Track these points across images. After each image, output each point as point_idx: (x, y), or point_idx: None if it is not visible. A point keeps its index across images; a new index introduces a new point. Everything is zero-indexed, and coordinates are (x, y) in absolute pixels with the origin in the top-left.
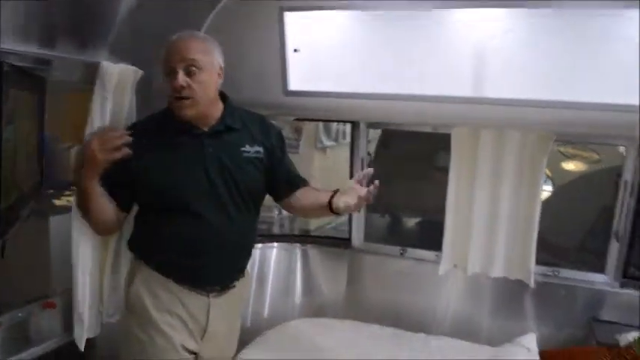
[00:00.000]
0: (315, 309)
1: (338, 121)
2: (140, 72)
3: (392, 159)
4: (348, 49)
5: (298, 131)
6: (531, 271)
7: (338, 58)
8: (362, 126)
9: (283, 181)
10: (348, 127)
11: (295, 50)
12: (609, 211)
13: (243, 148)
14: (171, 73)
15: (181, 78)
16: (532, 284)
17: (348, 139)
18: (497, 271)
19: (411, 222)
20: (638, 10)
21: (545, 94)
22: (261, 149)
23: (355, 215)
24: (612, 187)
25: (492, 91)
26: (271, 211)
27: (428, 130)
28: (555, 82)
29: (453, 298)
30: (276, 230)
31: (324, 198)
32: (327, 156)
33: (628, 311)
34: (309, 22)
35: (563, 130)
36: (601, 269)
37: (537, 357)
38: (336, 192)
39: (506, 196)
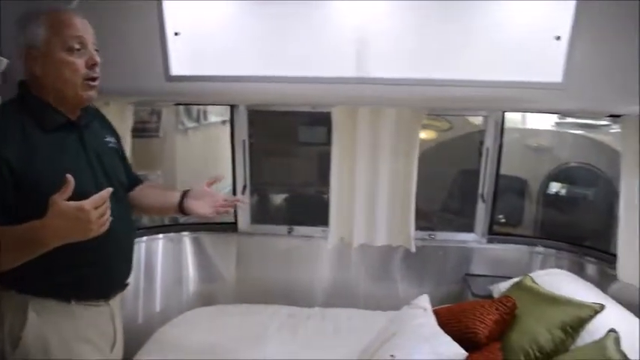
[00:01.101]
0: (210, 296)
1: (221, 105)
2: (5, 61)
3: (262, 138)
4: (229, 32)
5: (157, 114)
6: (412, 237)
7: (220, 41)
8: (241, 108)
9: (126, 176)
10: (211, 107)
11: (176, 34)
12: (466, 175)
13: (106, 139)
14: (82, 48)
15: (95, 53)
16: (413, 249)
17: (211, 119)
18: (381, 240)
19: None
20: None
21: (419, 72)
22: (114, 139)
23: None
24: (466, 152)
25: (372, 72)
26: None
27: (307, 109)
28: (428, 60)
29: (343, 270)
30: (145, 221)
31: (172, 199)
32: (189, 138)
33: (496, 264)
34: (190, 3)
35: (434, 105)
36: (470, 228)
37: (433, 315)
38: (186, 192)
39: (385, 169)
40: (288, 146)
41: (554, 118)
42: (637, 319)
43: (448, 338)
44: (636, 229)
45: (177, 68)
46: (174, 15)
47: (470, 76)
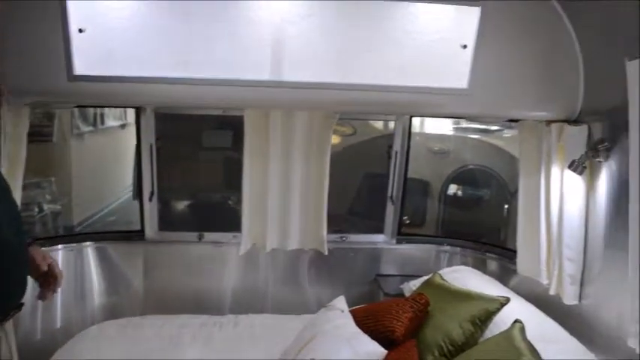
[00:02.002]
0: (117, 309)
1: (125, 107)
2: None
3: (167, 142)
4: (140, 31)
5: (50, 117)
6: (324, 240)
7: (130, 40)
8: (148, 111)
9: None
10: (108, 110)
11: (80, 30)
12: (372, 178)
13: None
14: None
15: None
16: (326, 252)
17: (108, 123)
18: (294, 244)
19: (194, 205)
20: (416, 4)
21: (332, 76)
22: None
23: (147, 205)
24: (371, 156)
25: (286, 75)
26: (30, 209)
27: (218, 112)
28: (340, 65)
29: (253, 275)
30: (38, 229)
31: None
32: (85, 143)
33: (405, 263)
34: None
35: (346, 109)
36: (379, 230)
37: (350, 316)
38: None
39: (297, 172)
40: (193, 151)
41: (452, 123)
42: (537, 310)
43: (367, 338)
44: (533, 227)
45: (81, 67)
46: (79, 10)
47: (381, 81)
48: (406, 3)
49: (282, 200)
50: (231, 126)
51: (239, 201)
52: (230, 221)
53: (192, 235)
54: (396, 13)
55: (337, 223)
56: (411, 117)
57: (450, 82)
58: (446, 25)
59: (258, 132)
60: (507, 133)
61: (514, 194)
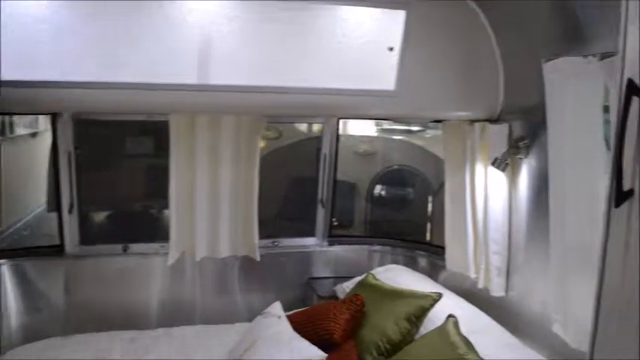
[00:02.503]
0: (37, 330)
1: (43, 114)
2: None
3: (85, 150)
4: (58, 33)
5: None
6: (256, 246)
7: (47, 42)
8: (65, 117)
9: None
10: (18, 118)
11: None
12: (299, 181)
13: None
14: None
15: None
16: (258, 257)
17: (18, 132)
18: (225, 251)
19: (116, 215)
20: (343, 7)
21: (259, 79)
22: None
23: (66, 217)
24: (297, 159)
25: (214, 79)
26: None
27: (141, 118)
28: (268, 68)
29: (183, 285)
30: None
31: None
32: None
33: (338, 265)
34: None
35: (274, 112)
36: (309, 233)
37: (287, 322)
38: None
39: (226, 178)
40: (114, 158)
41: (375, 125)
42: (467, 303)
43: (306, 342)
44: (460, 224)
45: None
46: None
47: (310, 84)
48: (334, 6)
49: (211, 207)
50: (153, 132)
51: (164, 209)
52: (157, 231)
53: (117, 248)
54: (324, 17)
55: (267, 228)
56: (339, 119)
57: (377, 84)
58: (373, 28)
59: (185, 137)
60: (428, 134)
61: (437, 192)
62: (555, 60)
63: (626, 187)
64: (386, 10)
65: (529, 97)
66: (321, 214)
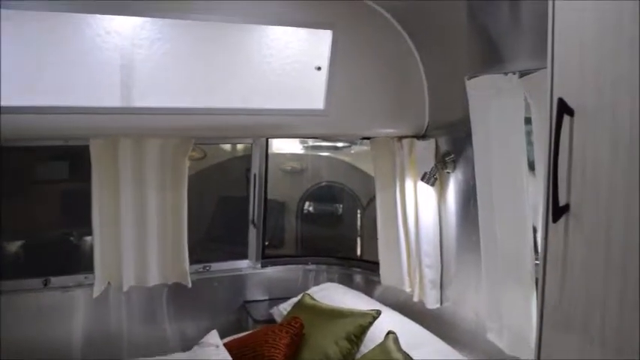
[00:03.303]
0: None
1: None
2: None
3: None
4: None
5: None
6: (187, 272)
7: None
8: None
9: None
10: None
11: None
12: (227, 202)
13: None
14: None
15: None
16: (189, 284)
17: None
18: (154, 279)
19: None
20: (271, 27)
21: (187, 101)
22: None
23: None
24: (224, 180)
25: (138, 101)
26: None
27: (59, 143)
28: (196, 90)
29: (109, 317)
30: None
31: None
32: None
33: (272, 287)
34: None
35: (201, 134)
36: (242, 255)
37: (225, 351)
38: None
39: (152, 202)
40: (26, 185)
41: (300, 142)
42: (405, 318)
43: None
44: (393, 239)
45: None
46: None
47: (238, 104)
48: (261, 27)
49: (138, 233)
50: (68, 156)
51: (85, 237)
52: (79, 261)
53: (36, 282)
54: (251, 37)
55: (197, 251)
56: (267, 139)
57: (307, 104)
58: (300, 47)
59: (107, 162)
60: (354, 150)
61: (366, 207)
62: (478, 77)
63: (562, 202)
64: (313, 30)
65: (453, 113)
66: (253, 235)
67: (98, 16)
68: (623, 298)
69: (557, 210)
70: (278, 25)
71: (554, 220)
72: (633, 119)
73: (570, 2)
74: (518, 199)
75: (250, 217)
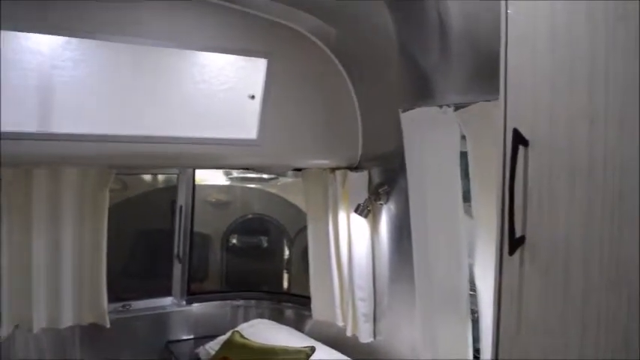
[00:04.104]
0: None
1: None
2: None
3: None
4: None
5: None
6: (105, 311)
7: None
8: None
9: None
10: None
11: None
12: (150, 235)
13: None
14: None
15: None
16: (108, 324)
17: None
18: (68, 320)
19: None
20: (204, 53)
21: (110, 128)
22: None
23: None
24: (146, 212)
25: (56, 127)
26: None
27: None
28: (122, 115)
29: None
30: None
31: None
32: None
33: (198, 325)
34: None
35: (125, 163)
36: (166, 292)
37: None
38: None
39: (68, 238)
40: None
41: (224, 173)
42: (338, 353)
43: None
44: (325, 272)
45: None
46: None
47: (167, 132)
48: (193, 52)
49: (52, 270)
50: None
51: None
52: None
53: None
54: (183, 62)
55: (116, 288)
56: (194, 170)
57: (239, 133)
58: (234, 75)
59: (18, 193)
60: (281, 181)
61: (294, 240)
62: (412, 110)
63: (517, 233)
64: (247, 57)
65: (387, 144)
66: (178, 271)
67: (13, 32)
68: (583, 328)
69: (513, 242)
70: (211, 52)
71: (511, 253)
72: (590, 151)
73: (523, 36)
74: (454, 232)
75: (175, 251)
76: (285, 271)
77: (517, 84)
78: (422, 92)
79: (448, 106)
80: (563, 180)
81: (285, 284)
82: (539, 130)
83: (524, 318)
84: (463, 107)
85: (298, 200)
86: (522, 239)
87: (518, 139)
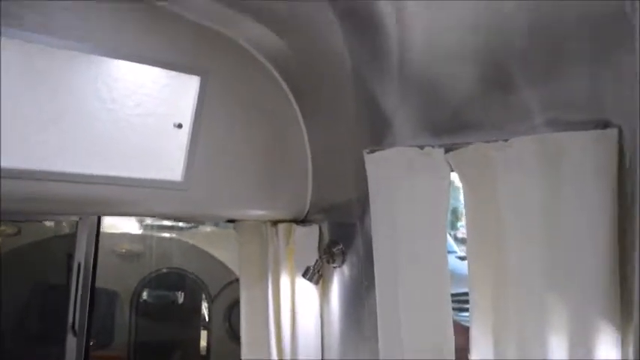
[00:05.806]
0: None
1: None
2: None
3: None
4: None
5: None
6: None
7: None
8: None
9: None
10: None
11: None
12: (46, 290)
13: None
14: None
15: None
16: None
17: None
18: None
19: None
20: (116, 61)
21: None
22: None
23: None
24: (42, 263)
25: None
26: None
27: None
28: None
29: None
30: None
31: None
32: None
33: None
34: None
35: (8, 207)
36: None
37: None
38: None
39: None
40: None
41: (138, 220)
42: None
43: None
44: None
45: None
46: None
47: (60, 167)
48: (102, 59)
49: None
50: None
51: None
52: None
53: None
54: (86, 72)
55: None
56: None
57: (159, 173)
58: (156, 95)
59: None
60: (201, 231)
61: (215, 298)
62: (382, 151)
63: None
64: (175, 73)
65: (343, 193)
66: (72, 346)
67: None
68: None
69: None
70: (125, 60)
71: None
72: None
73: None
74: (441, 291)
75: (70, 321)
76: (200, 334)
77: None
78: (385, 132)
79: (432, 146)
80: None
81: (203, 351)
82: None
83: None
84: (453, 149)
85: (221, 253)
86: None
87: None
